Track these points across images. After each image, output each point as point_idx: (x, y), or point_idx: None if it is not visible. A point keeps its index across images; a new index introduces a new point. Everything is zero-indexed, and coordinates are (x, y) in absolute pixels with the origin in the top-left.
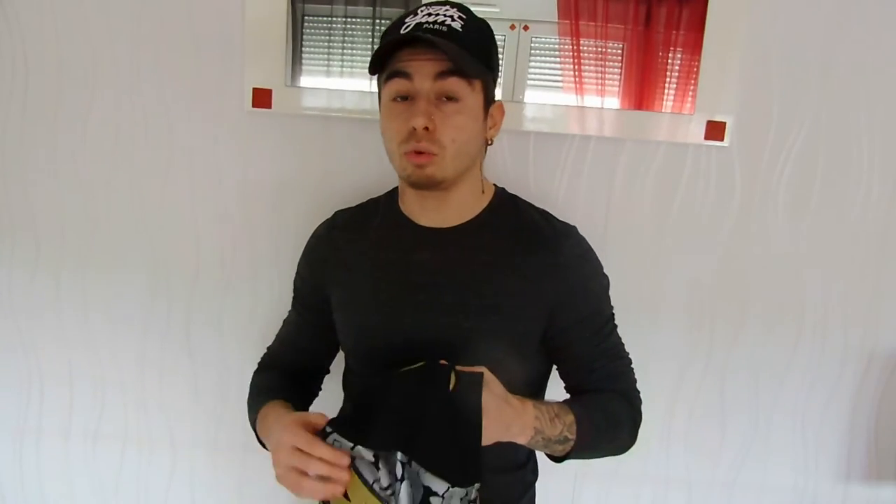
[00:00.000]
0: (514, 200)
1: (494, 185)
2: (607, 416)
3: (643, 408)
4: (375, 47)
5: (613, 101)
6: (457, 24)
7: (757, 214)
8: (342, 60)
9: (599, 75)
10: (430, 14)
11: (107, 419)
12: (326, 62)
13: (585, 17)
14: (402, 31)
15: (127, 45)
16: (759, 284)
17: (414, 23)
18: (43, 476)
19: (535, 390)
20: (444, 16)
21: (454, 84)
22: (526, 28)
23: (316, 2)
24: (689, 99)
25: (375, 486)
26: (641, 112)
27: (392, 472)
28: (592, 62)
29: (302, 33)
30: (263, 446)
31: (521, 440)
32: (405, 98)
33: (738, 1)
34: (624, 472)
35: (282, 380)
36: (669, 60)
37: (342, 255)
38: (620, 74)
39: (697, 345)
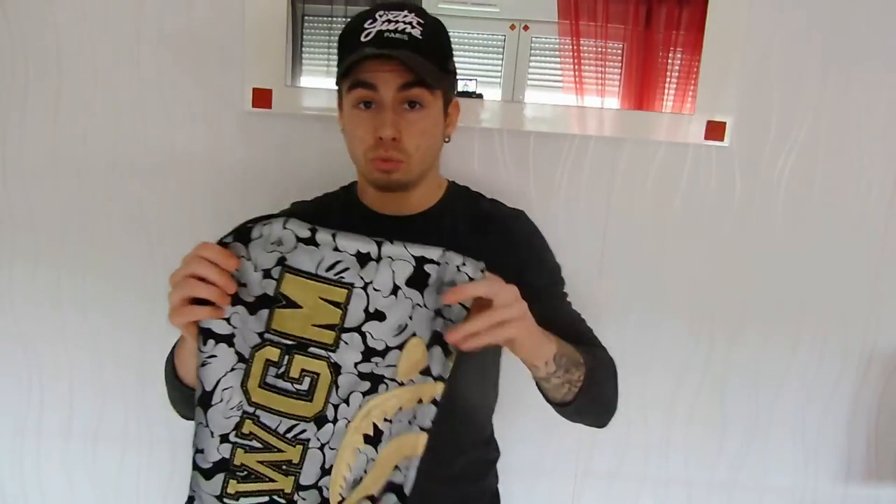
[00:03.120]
0: (467, 191)
1: (446, 179)
2: (596, 355)
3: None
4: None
5: (613, 101)
6: (416, 32)
7: (757, 214)
8: None
9: (599, 75)
10: (389, 20)
11: (107, 420)
12: (326, 62)
13: (585, 17)
14: (363, 39)
15: (127, 45)
16: (758, 284)
17: (374, 30)
18: (43, 477)
19: (495, 371)
20: (403, 22)
21: (417, 93)
22: (526, 28)
23: (316, 2)
24: (689, 99)
25: (321, 271)
26: (641, 112)
27: (350, 246)
28: (592, 62)
29: (302, 33)
30: (181, 383)
31: (548, 351)
32: (368, 105)
33: (738, 1)
34: (624, 472)
35: None
36: (669, 60)
37: None
38: (620, 74)
39: (697, 344)
